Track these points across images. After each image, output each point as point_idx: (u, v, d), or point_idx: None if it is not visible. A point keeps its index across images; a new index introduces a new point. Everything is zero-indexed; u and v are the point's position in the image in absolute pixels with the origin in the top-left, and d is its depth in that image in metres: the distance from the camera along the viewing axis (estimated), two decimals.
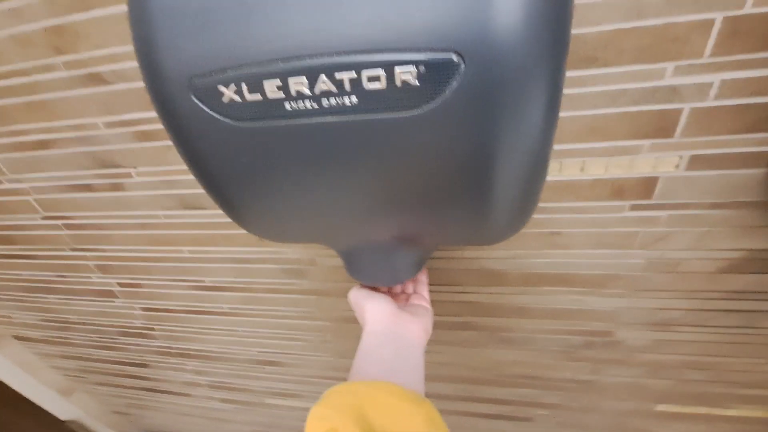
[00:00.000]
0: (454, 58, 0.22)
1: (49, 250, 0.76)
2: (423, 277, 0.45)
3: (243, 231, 0.62)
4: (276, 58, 0.23)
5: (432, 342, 0.73)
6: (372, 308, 0.37)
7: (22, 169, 0.63)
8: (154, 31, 0.25)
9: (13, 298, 0.91)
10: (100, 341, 0.97)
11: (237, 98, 0.25)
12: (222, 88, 0.25)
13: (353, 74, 0.23)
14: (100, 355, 1.02)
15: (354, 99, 0.24)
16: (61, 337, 1.01)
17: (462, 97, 0.23)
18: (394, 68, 0.22)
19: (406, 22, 0.21)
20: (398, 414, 0.26)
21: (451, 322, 0.68)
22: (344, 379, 0.31)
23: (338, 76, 0.23)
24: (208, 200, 0.59)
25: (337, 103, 0.24)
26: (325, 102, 0.24)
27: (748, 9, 0.33)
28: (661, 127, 0.40)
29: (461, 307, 0.65)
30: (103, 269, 0.76)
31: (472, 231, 0.33)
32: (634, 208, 0.47)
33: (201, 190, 0.57)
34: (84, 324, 0.93)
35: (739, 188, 0.44)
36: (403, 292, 0.44)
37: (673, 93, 0.38)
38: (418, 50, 0.22)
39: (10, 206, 0.69)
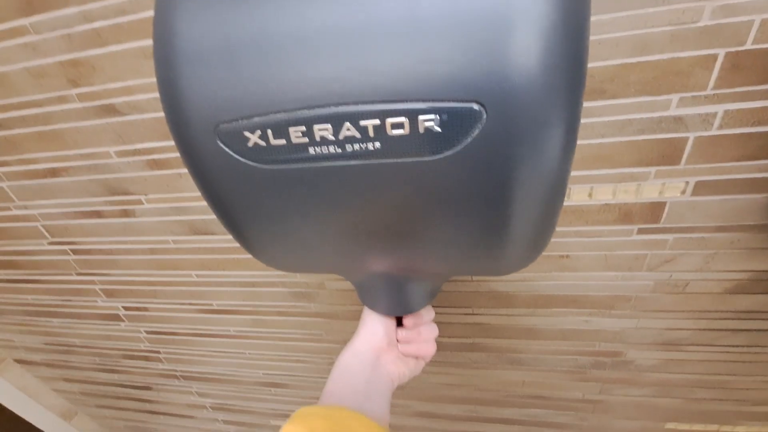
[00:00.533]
0: (476, 107, 0.22)
1: (55, 274, 0.75)
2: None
3: (250, 256, 0.62)
4: (302, 106, 0.24)
5: (441, 363, 0.73)
6: (371, 326, 0.37)
7: (32, 196, 0.63)
8: (180, 78, 0.26)
9: (15, 322, 0.91)
10: (103, 364, 0.96)
11: (262, 143, 0.26)
12: (247, 134, 0.25)
13: (377, 122, 0.23)
14: (103, 378, 1.01)
15: (377, 144, 0.24)
16: (64, 361, 0.99)
17: (483, 143, 0.23)
18: (418, 116, 0.23)
19: (429, 73, 0.22)
20: None
21: (460, 344, 0.68)
22: None
23: (362, 123, 0.24)
24: (218, 226, 0.60)
25: (361, 148, 0.25)
26: (348, 147, 0.25)
27: (749, 45, 0.34)
28: (667, 154, 0.41)
29: (470, 328, 0.65)
30: (110, 293, 0.76)
31: (489, 264, 0.33)
32: (641, 231, 0.48)
33: (211, 216, 0.58)
34: (88, 347, 0.92)
35: (743, 212, 0.45)
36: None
37: (679, 123, 0.39)
38: (441, 100, 0.22)
39: (18, 232, 0.69)
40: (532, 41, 0.21)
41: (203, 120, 0.26)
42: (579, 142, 0.42)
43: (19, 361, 1.04)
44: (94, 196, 0.60)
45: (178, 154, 0.52)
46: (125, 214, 0.60)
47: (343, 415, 0.29)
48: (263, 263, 0.39)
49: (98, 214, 0.62)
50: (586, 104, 0.39)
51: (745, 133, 0.39)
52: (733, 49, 0.35)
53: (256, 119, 0.25)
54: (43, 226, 0.67)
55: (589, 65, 0.37)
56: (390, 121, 0.23)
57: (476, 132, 0.23)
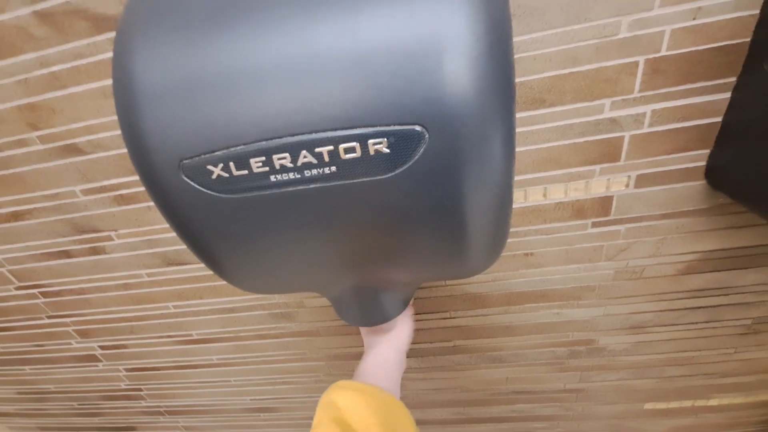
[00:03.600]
0: (418, 129, 0.25)
1: (25, 319, 0.73)
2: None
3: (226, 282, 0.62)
4: (260, 138, 0.26)
5: (425, 369, 0.75)
6: (402, 325, 0.41)
7: None
8: (141, 119, 0.27)
9: None
10: (82, 408, 0.93)
11: (225, 174, 0.27)
12: (211, 167, 0.27)
13: (331, 148, 0.25)
14: (83, 422, 0.97)
15: (333, 168, 0.26)
16: (39, 409, 0.95)
17: (429, 159, 0.26)
18: (368, 141, 0.25)
19: (374, 101, 0.24)
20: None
21: (441, 348, 0.70)
22: None
23: (318, 150, 0.26)
24: (191, 255, 0.60)
25: (318, 172, 0.26)
26: (306, 172, 0.26)
27: (664, 52, 0.38)
28: (608, 153, 0.45)
29: (449, 332, 0.67)
30: (84, 333, 0.74)
31: (455, 268, 0.35)
32: (595, 225, 0.51)
33: (183, 246, 0.58)
34: (64, 392, 0.89)
35: (682, 199, 0.49)
36: None
37: (614, 124, 0.43)
38: (387, 124, 0.25)
39: None
40: (462, 68, 0.24)
41: (167, 158, 0.27)
42: (529, 147, 0.45)
43: None
44: (62, 236, 0.59)
45: (144, 188, 0.53)
46: (95, 251, 0.60)
47: (386, 398, 0.31)
48: (238, 288, 0.40)
49: (67, 254, 0.61)
50: (530, 113, 0.43)
51: (673, 129, 0.43)
52: (651, 56, 0.39)
53: (218, 153, 0.26)
54: (8, 271, 0.65)
55: (527, 78, 0.40)
56: (343, 146, 0.25)
57: (421, 150, 0.25)
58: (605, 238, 0.53)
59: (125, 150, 0.50)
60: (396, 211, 0.28)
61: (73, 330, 0.74)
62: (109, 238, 0.58)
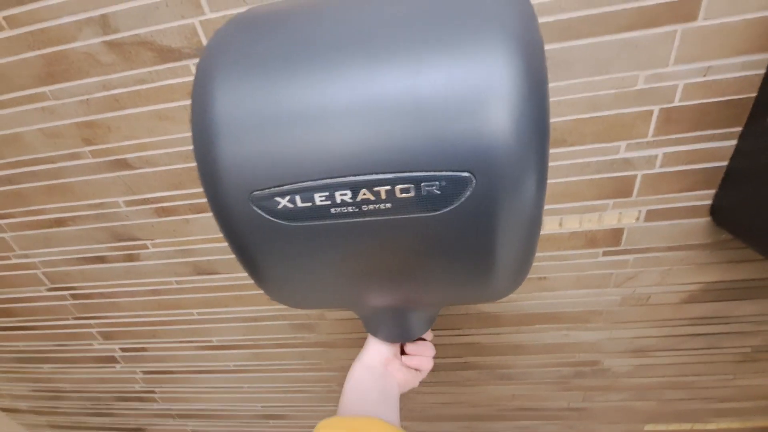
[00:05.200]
0: (467, 175, 0.28)
1: (51, 320, 0.76)
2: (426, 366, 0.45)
3: (253, 292, 0.65)
4: (326, 176, 0.29)
5: (436, 383, 0.77)
6: (374, 344, 0.42)
7: (34, 245, 0.64)
8: (218, 152, 0.30)
9: (4, 369, 0.89)
10: (94, 408, 0.94)
11: (290, 206, 0.30)
12: (278, 199, 0.30)
13: (389, 187, 0.29)
14: (93, 422, 0.99)
15: (388, 204, 0.30)
16: (52, 407, 0.97)
17: (473, 201, 0.29)
18: (422, 183, 0.28)
19: (431, 148, 0.28)
20: None
21: (453, 363, 0.72)
22: None
23: (376, 189, 0.29)
24: (222, 266, 0.63)
25: (375, 207, 0.30)
26: (364, 207, 0.30)
27: (677, 103, 0.42)
28: (621, 189, 0.49)
29: (462, 348, 0.70)
30: (107, 335, 0.76)
31: (481, 293, 0.39)
32: (606, 254, 0.55)
33: (215, 257, 0.62)
34: (78, 392, 0.91)
35: (688, 234, 0.52)
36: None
37: (627, 164, 0.47)
38: (440, 170, 0.28)
39: (16, 280, 0.70)
40: (507, 125, 0.27)
41: (239, 188, 0.31)
42: (548, 182, 0.49)
43: (3, 409, 1.00)
44: (99, 242, 0.62)
45: (186, 202, 0.56)
46: (129, 258, 0.63)
47: (362, 422, 0.33)
48: (278, 302, 0.43)
49: (101, 260, 0.64)
50: (552, 151, 0.46)
51: (681, 170, 0.47)
52: (665, 106, 0.43)
53: (287, 187, 0.30)
54: (43, 273, 0.68)
55: (552, 120, 0.44)
56: (399, 186, 0.28)
57: (468, 193, 0.28)
58: (614, 267, 0.56)
59: (173, 166, 0.53)
60: (438, 243, 0.32)
61: (97, 332, 0.76)
62: (145, 247, 0.61)
